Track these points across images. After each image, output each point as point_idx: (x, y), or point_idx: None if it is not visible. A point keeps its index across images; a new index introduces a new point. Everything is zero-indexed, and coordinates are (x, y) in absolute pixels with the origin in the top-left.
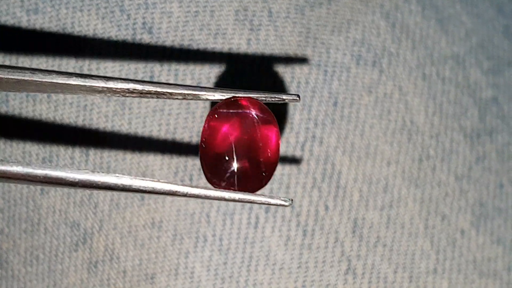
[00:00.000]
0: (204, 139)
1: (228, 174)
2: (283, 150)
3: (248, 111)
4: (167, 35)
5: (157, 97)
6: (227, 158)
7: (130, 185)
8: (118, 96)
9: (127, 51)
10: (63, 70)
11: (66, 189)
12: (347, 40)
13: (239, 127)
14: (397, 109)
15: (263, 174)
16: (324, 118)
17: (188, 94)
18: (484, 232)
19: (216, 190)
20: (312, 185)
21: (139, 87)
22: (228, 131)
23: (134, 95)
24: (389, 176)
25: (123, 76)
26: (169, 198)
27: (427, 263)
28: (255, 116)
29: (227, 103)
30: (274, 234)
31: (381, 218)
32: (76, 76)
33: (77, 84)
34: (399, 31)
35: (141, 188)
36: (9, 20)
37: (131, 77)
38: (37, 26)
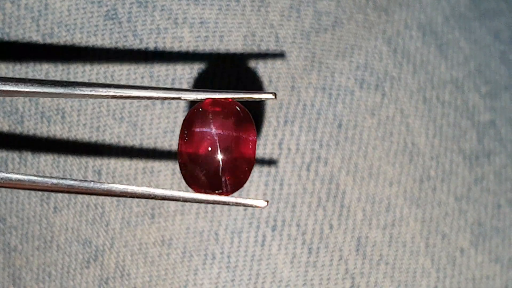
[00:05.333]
0: (183, 142)
1: (211, 180)
2: (289, 170)
3: (226, 114)
4: (178, 59)
5: (139, 99)
6: (209, 165)
7: (109, 189)
8: (104, 98)
9: (139, 74)
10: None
11: (78, 208)
12: (351, 64)
13: (219, 128)
14: (399, 131)
15: (244, 176)
16: (329, 140)
17: (167, 97)
18: (483, 251)
19: (194, 193)
20: (317, 204)
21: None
22: (209, 133)
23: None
24: (391, 196)
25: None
26: (178, 216)
27: (428, 281)
28: (234, 119)
29: (205, 104)
30: (281, 252)
31: (384, 237)
32: (60, 85)
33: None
34: (401, 56)
35: (122, 192)
36: (25, 44)
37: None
38: (52, 50)
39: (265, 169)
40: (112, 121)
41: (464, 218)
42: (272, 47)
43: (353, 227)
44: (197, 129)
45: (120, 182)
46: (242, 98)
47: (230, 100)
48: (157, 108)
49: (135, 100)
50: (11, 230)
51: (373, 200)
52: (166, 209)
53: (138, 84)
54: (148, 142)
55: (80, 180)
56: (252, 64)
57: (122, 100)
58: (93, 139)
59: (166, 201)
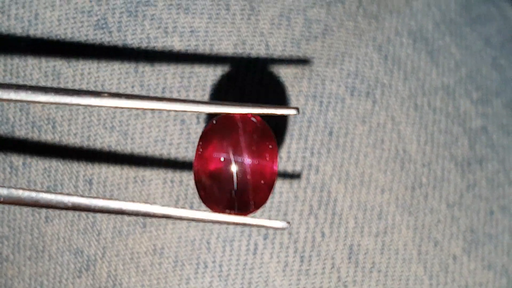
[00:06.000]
0: (198, 163)
1: (227, 198)
2: (280, 178)
3: (245, 129)
4: (168, 68)
5: (155, 111)
6: (226, 181)
7: (125, 209)
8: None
9: (130, 83)
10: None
11: (70, 217)
12: (342, 72)
13: (237, 148)
14: (390, 139)
15: (264, 196)
16: (320, 147)
17: (185, 109)
18: (476, 258)
19: (213, 213)
20: (309, 212)
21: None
22: (225, 152)
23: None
24: (383, 204)
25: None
26: (170, 225)
27: None
28: (253, 134)
29: (222, 120)
30: (273, 260)
31: (376, 244)
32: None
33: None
34: (391, 63)
35: (137, 212)
36: (15, 54)
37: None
38: (42, 60)
39: None
40: (103, 130)
41: (457, 225)
42: (263, 55)
43: (345, 235)
44: (214, 145)
45: (111, 191)
46: (263, 113)
47: (249, 115)
48: (147, 117)
49: (128, 109)
50: (3, 240)
51: (365, 208)
52: (157, 218)
53: (129, 92)
54: (139, 151)
55: (79, 196)
56: (242, 72)
57: (113, 109)
58: (84, 148)
59: None
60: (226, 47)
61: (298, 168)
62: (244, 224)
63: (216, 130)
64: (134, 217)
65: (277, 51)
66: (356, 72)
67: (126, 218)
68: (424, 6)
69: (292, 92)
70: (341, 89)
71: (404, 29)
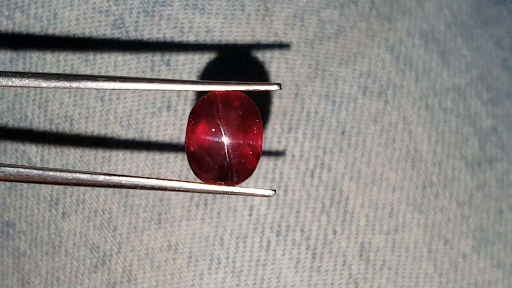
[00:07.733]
0: (190, 135)
1: (219, 169)
2: (294, 176)
3: (232, 104)
4: (184, 67)
5: (145, 91)
6: (217, 153)
7: (118, 182)
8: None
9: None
10: (84, 98)
11: (86, 213)
12: (354, 72)
13: (226, 121)
14: (401, 138)
15: (252, 165)
16: (333, 146)
17: (173, 89)
18: (485, 256)
19: (202, 184)
20: (321, 210)
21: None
22: (215, 126)
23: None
24: (394, 202)
25: (141, 103)
26: (184, 222)
27: (431, 286)
28: (239, 109)
29: (210, 97)
30: (285, 257)
31: (387, 242)
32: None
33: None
34: (403, 64)
35: (127, 184)
36: (34, 53)
37: (150, 107)
38: (60, 59)
39: (270, 175)
40: (120, 128)
41: (467, 224)
42: (277, 55)
43: (357, 233)
44: (204, 119)
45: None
46: (247, 89)
47: (236, 92)
48: (163, 115)
49: (141, 107)
50: (20, 235)
51: (376, 206)
52: (172, 215)
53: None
54: (154, 149)
55: (90, 173)
56: (256, 72)
57: (129, 108)
58: (101, 146)
59: (172, 207)
60: (241, 47)
61: (311, 166)
62: (233, 193)
63: (205, 105)
64: (149, 214)
65: (291, 51)
66: (369, 72)
67: (142, 214)
68: (436, 8)
69: (305, 91)
70: (353, 89)
71: (416, 30)
